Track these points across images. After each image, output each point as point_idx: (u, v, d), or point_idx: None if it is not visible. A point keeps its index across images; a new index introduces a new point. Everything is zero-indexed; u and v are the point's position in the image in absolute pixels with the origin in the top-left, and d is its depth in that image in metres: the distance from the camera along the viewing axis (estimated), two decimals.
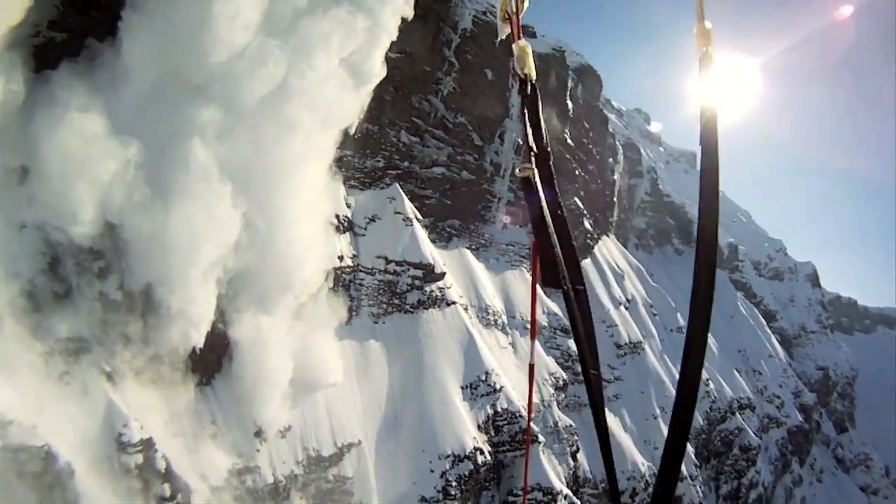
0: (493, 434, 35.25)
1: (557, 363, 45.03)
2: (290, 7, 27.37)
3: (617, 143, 70.61)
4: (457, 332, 37.39)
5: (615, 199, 67.90)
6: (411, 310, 37.12)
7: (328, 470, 29.94)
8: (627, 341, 55.20)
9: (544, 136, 2.37)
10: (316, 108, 28.41)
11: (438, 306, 37.99)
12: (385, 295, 36.93)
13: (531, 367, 2.71)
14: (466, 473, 32.05)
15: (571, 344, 48.31)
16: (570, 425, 41.72)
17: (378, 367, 34.36)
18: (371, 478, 30.63)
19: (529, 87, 2.44)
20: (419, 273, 37.76)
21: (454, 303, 38.77)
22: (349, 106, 31.31)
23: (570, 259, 2.10)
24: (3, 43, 21.65)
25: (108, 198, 23.04)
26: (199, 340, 25.82)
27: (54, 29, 24.49)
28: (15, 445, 19.48)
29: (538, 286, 2.37)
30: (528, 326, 45.18)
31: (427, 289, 37.85)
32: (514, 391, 37.42)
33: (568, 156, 55.28)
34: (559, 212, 2.18)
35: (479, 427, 34.41)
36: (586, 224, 57.61)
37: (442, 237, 43.95)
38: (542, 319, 47.41)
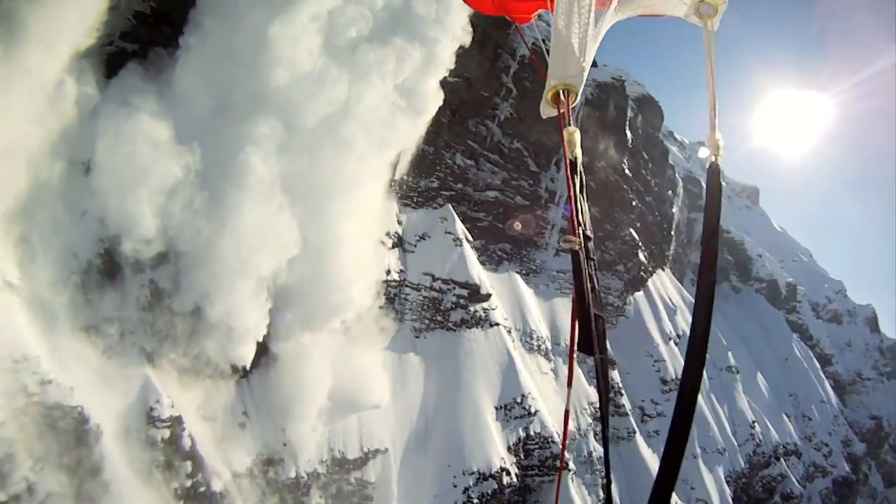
0: (522, 457, 35.48)
1: (599, 393, 44.82)
2: (349, 34, 28.41)
3: (677, 175, 69.92)
4: (497, 353, 37.89)
5: (672, 233, 67.12)
6: (454, 328, 37.88)
7: (351, 472, 30.74)
8: (674, 377, 54.29)
9: (588, 215, 2.73)
10: (372, 131, 29.39)
11: (481, 326, 38.62)
12: (429, 311, 37.83)
13: (566, 413, 2.88)
14: (489, 492, 32.40)
15: (615, 375, 48.13)
16: None
17: (414, 379, 35.14)
18: (393, 485, 31.25)
19: (577, 169, 2.81)
20: (464, 292, 38.53)
21: (497, 324, 39.31)
22: (405, 129, 32.23)
23: (599, 329, 2.45)
24: (80, 51, 23.55)
25: (166, 200, 24.43)
26: (245, 359, 27.09)
27: (126, 40, 26.54)
28: (51, 403, 21.06)
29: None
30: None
31: (471, 308, 38.57)
32: (550, 416, 37.56)
33: (625, 186, 55.22)
34: (595, 286, 2.54)
35: (508, 448, 34.73)
36: (641, 256, 57.20)
37: (492, 260, 44.66)
38: None
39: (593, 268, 2.62)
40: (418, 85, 31.27)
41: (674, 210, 67.47)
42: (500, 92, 43.13)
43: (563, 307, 46.87)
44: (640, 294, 57.01)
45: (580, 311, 2.49)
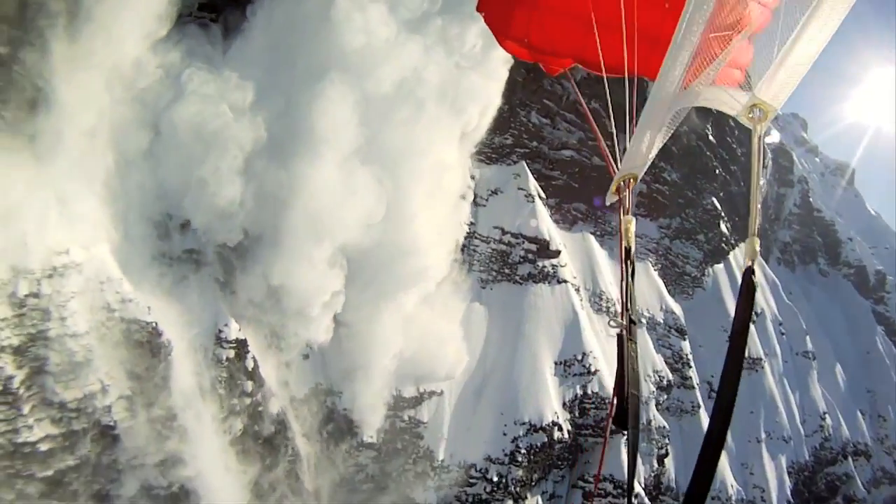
0: (577, 415, 35.30)
1: (666, 363, 43.96)
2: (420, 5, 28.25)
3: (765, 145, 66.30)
4: (562, 309, 37.52)
5: (759, 206, 63.96)
6: (520, 281, 37.71)
7: (405, 411, 31.38)
8: (746, 356, 52.23)
9: (636, 301, 2.93)
10: (445, 94, 29.08)
11: (548, 282, 38.27)
12: (496, 263, 37.78)
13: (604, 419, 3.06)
14: (538, 445, 32.43)
15: (685, 346, 46.84)
16: (664, 427, 40.77)
17: (477, 329, 35.28)
18: (444, 428, 31.77)
19: (630, 257, 3.02)
20: (533, 247, 38.20)
21: (565, 281, 38.85)
22: (478, 91, 31.77)
23: (633, 407, 2.61)
24: (164, 21, 24.56)
25: (242, 164, 25.19)
26: (320, 336, 27.76)
27: (203, 10, 27.52)
28: (129, 318, 22.92)
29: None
30: (643, 319, 44.38)
31: (539, 263, 38.23)
32: (611, 378, 37.01)
33: (708, 153, 52.98)
34: (635, 367, 2.73)
35: (564, 404, 34.56)
36: (723, 227, 55.04)
37: (566, 219, 44.02)
38: (658, 317, 46.28)
39: (635, 350, 2.80)
40: (490, 49, 30.64)
41: (761, 182, 64.17)
42: None
43: (637, 272, 45.68)
44: (719, 266, 55.00)
45: (618, 389, 2.71)
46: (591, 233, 44.92)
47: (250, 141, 25.19)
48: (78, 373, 21.68)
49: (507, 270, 37.70)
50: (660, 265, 49.03)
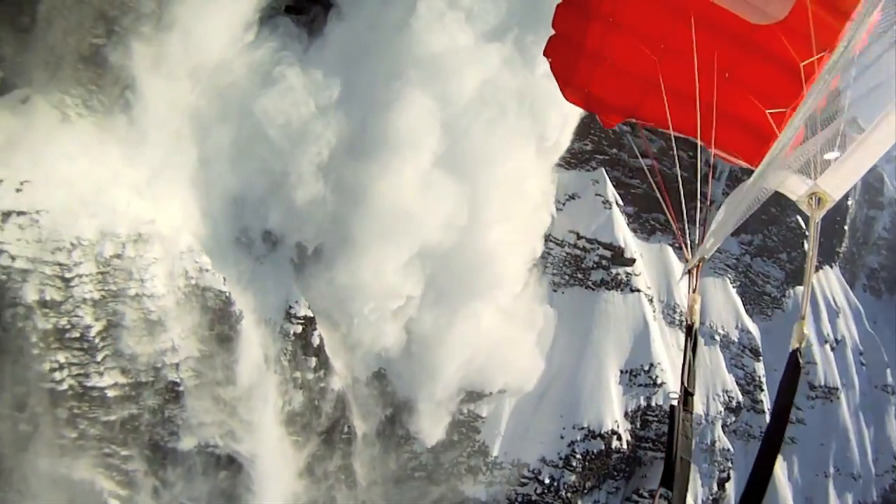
0: (638, 426, 34.94)
1: (737, 383, 42.80)
2: (502, 11, 28.33)
3: None
4: (633, 318, 37.13)
5: (846, 228, 61.07)
6: (593, 287, 37.50)
7: (465, 404, 31.70)
8: (822, 384, 50.29)
9: (696, 375, 3.09)
10: (525, 100, 28.87)
11: (621, 290, 37.93)
12: (570, 268, 37.68)
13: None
14: (595, 452, 32.36)
15: (758, 368, 45.42)
16: (729, 450, 39.73)
17: (545, 331, 35.21)
18: (502, 424, 32.11)
19: (692, 334, 3.19)
20: (608, 254, 37.90)
21: (638, 290, 38.40)
22: (559, 97, 31.36)
23: (683, 471, 2.83)
24: (251, 23, 25.90)
25: (323, 160, 26.03)
26: (384, 341, 28.22)
27: (290, 12, 28.55)
28: (204, 285, 24.61)
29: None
30: (717, 337, 43.33)
31: (613, 270, 37.92)
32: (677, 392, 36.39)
33: None
34: (688, 434, 2.92)
35: (626, 414, 34.34)
36: (806, 247, 52.82)
37: (645, 228, 43.37)
38: (733, 335, 45.01)
39: (689, 420, 3.02)
40: None
41: (849, 202, 61.16)
42: None
43: (714, 287, 44.83)
44: (801, 288, 52.82)
45: (667, 451, 2.92)
46: (670, 244, 44.08)
47: (333, 139, 26.03)
48: (151, 330, 23.63)
49: (580, 275, 37.55)
50: (738, 283, 47.61)
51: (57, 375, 21.91)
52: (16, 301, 21.13)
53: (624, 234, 38.92)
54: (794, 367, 2.39)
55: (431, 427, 30.36)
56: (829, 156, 2.96)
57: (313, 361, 27.85)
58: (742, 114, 4.68)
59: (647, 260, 40.98)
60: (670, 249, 43.55)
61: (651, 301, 39.41)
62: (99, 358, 22.71)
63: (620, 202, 40.28)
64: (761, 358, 46.33)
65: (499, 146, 28.45)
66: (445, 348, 29.21)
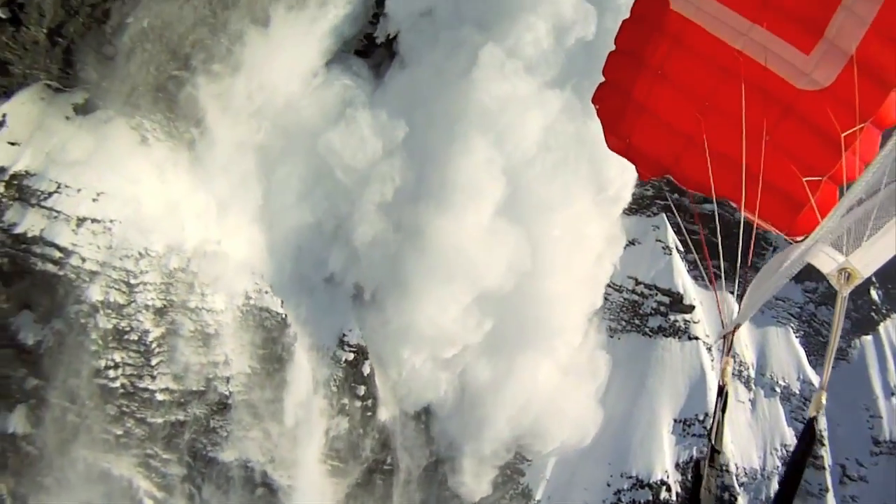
0: (689, 478, 34.31)
1: (797, 437, 41.59)
2: (560, 59, 29.02)
3: None
4: (690, 366, 36.94)
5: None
6: (650, 334, 37.57)
7: (513, 457, 31.80)
8: (888, 439, 48.11)
9: (724, 436, 3.33)
10: (585, 146, 28.92)
11: (678, 337, 37.86)
12: (627, 313, 37.88)
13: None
14: (641, 502, 32.03)
15: (820, 420, 44.09)
16: None
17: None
18: (548, 469, 32.18)
19: (723, 394, 3.40)
20: (666, 300, 37.97)
21: (696, 338, 38.22)
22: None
23: None
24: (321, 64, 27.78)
25: (385, 199, 27.25)
26: (436, 392, 28.89)
27: (358, 55, 30.38)
28: (263, 306, 26.39)
29: None
30: (777, 388, 42.43)
31: (671, 317, 37.93)
32: (733, 445, 36.00)
33: None
34: (711, 489, 3.18)
35: (676, 465, 33.97)
36: (873, 294, 51.14)
37: (706, 276, 43.13)
38: (794, 387, 43.96)
39: (714, 475, 3.27)
40: None
41: None
42: None
43: (776, 337, 43.94)
44: (867, 338, 50.97)
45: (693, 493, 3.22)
46: (731, 292, 43.44)
47: (398, 180, 27.19)
48: (207, 342, 25.32)
49: (637, 321, 37.72)
50: (802, 332, 46.45)
51: (111, 373, 24.03)
52: (81, 299, 23.29)
53: (683, 281, 38.91)
54: (809, 436, 2.45)
55: (476, 484, 30.50)
56: (862, 233, 3.08)
57: (362, 390, 28.76)
58: (779, 179, 4.66)
59: (707, 308, 40.67)
60: (732, 297, 42.68)
61: (710, 350, 39.07)
62: (153, 362, 24.68)
63: (681, 248, 40.36)
64: (823, 412, 44.74)
65: (560, 192, 28.68)
66: (499, 400, 29.18)
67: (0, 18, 20.16)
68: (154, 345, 24.49)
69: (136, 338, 24.16)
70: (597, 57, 28.61)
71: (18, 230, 22.82)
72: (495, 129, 27.59)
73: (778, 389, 42.12)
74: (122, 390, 24.25)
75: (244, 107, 26.25)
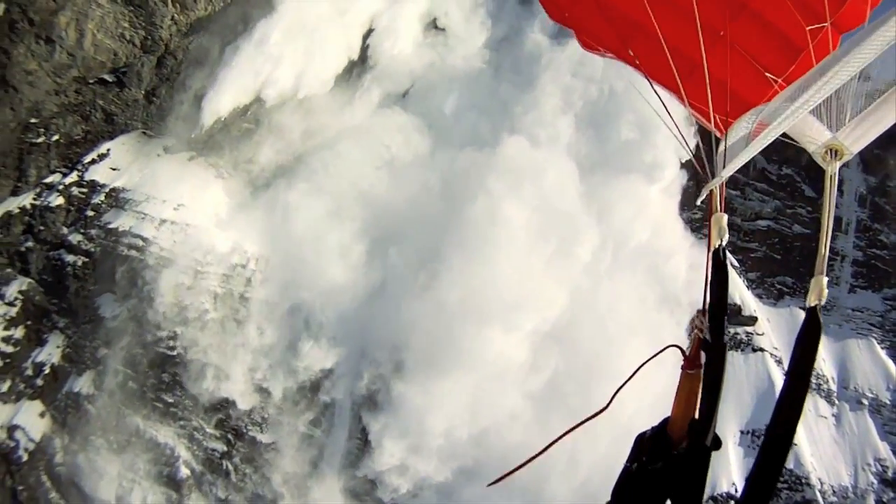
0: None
1: (893, 451, 39.10)
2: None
3: None
4: (756, 378, 36.29)
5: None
6: None
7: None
8: None
9: (727, 301, 2.88)
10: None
11: (742, 350, 37.51)
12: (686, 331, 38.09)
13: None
14: None
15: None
16: None
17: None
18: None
19: (720, 255, 2.92)
20: None
21: (761, 349, 37.70)
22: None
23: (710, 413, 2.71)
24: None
25: None
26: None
27: None
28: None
29: None
30: (864, 401, 40.31)
31: (731, 330, 37.79)
32: (813, 458, 34.51)
33: None
34: (719, 379, 2.72)
35: (744, 477, 32.81)
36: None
37: (771, 294, 42.51)
38: (884, 398, 41.60)
39: (724, 353, 2.91)
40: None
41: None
42: None
43: (858, 349, 42.15)
44: None
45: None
46: (800, 307, 42.82)
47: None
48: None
49: None
50: (888, 342, 44.18)
51: (171, 343, 27.55)
52: (155, 279, 27.48)
53: (741, 294, 38.80)
54: (814, 326, 2.24)
55: None
56: (852, 106, 2.83)
57: None
58: (735, 80, 4.16)
59: (775, 324, 40.07)
60: (801, 313, 42.09)
61: (780, 363, 38.31)
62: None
63: (737, 264, 40.58)
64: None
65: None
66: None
67: (108, 81, 25.95)
68: (212, 324, 28.51)
69: (196, 315, 28.23)
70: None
71: (111, 226, 27.95)
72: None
73: (865, 402, 39.93)
74: (178, 360, 27.74)
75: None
